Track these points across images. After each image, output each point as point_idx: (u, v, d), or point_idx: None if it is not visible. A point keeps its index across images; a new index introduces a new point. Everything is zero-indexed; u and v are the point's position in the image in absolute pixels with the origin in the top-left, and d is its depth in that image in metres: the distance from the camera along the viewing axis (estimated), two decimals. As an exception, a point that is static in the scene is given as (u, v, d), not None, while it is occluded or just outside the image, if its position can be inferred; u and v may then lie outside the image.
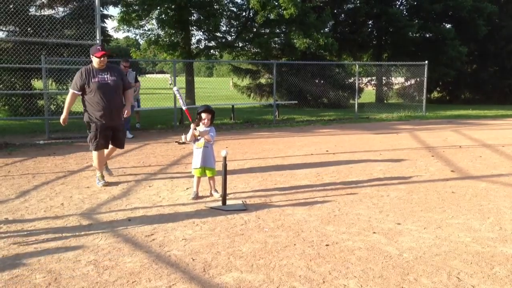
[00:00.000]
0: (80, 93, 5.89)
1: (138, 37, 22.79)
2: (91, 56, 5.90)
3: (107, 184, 6.05)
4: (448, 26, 24.46)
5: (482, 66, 25.74)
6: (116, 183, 6.16)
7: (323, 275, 3.37)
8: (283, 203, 5.27)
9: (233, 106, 14.93)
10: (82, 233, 4.22)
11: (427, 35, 24.26)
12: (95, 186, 6.01)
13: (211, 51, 22.06)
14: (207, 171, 5.43)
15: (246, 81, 23.28)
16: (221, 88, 29.39)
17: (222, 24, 21.30)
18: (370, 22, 25.31)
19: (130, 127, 10.85)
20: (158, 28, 20.90)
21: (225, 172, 5.08)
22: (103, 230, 4.31)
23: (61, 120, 6.04)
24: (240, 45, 22.22)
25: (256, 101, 21.97)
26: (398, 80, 25.36)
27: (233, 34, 22.23)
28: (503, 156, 8.40)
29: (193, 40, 22.09)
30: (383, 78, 24.38)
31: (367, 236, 4.20)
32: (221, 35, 21.93)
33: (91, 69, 5.90)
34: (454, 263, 3.60)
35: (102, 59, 5.83)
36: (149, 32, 21.86)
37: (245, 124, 13.70)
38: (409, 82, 23.31)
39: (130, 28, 20.93)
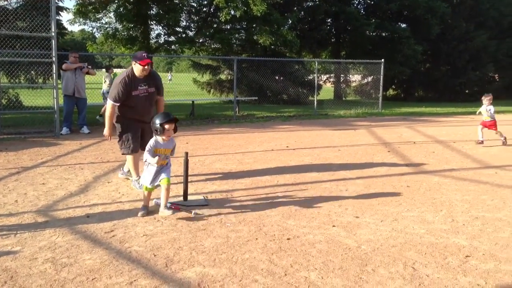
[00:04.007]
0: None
1: (94, 30, 22.18)
2: (133, 62, 5.37)
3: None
4: (403, 25, 25.20)
5: (435, 65, 26.67)
6: (72, 180, 6.00)
7: (284, 268, 3.42)
8: (244, 198, 5.29)
9: (193, 102, 14.83)
10: (38, 230, 4.09)
11: (384, 34, 24.91)
12: (51, 182, 5.83)
13: (171, 46, 21.77)
14: (161, 181, 4.59)
15: (206, 77, 23.13)
16: (180, 83, 29.08)
17: (182, 19, 21.06)
18: (329, 20, 25.70)
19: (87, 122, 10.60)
20: (116, 22, 20.42)
21: (186, 168, 5.06)
22: (60, 227, 4.20)
23: (106, 134, 5.54)
24: (201, 40, 22.04)
25: (216, 97, 21.88)
26: (355, 78, 25.91)
27: (193, 29, 22.02)
28: (455, 152, 8.75)
29: (152, 35, 21.73)
30: (341, 75, 24.85)
31: (327, 229, 4.29)
32: (181, 30, 21.68)
33: (131, 77, 5.37)
34: (410, 254, 3.73)
35: (146, 67, 5.33)
36: (106, 26, 21.31)
37: (205, 120, 13.63)
38: (366, 80, 23.89)
39: (87, 21, 20.33)
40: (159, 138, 4.53)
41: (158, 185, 4.65)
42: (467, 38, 24.96)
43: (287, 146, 9.02)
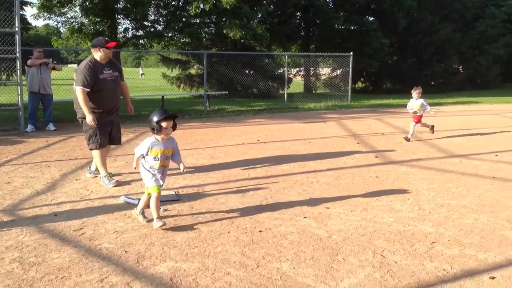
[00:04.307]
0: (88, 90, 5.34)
1: (59, 25, 21.62)
2: (96, 49, 5.39)
3: (119, 183, 5.59)
4: (371, 18, 25.53)
5: (402, 58, 27.12)
6: (39, 178, 5.87)
7: (257, 260, 3.44)
8: (216, 192, 5.29)
9: (162, 97, 14.68)
10: (4, 230, 3.99)
11: (352, 27, 25.17)
12: (16, 181, 5.68)
13: (139, 40, 21.44)
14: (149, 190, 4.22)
15: (176, 72, 22.90)
16: (149, 78, 28.73)
17: (150, 13, 20.74)
18: (298, 13, 25.79)
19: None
20: (81, 16, 19.94)
21: (156, 163, 5.01)
22: (27, 226, 4.11)
23: (92, 122, 5.35)
24: (170, 34, 21.78)
25: (186, 92, 21.71)
26: (325, 71, 26.12)
27: (162, 23, 21.73)
28: (421, 142, 8.95)
29: (120, 29, 21.32)
30: (311, 68, 25.01)
31: (298, 221, 4.34)
32: (149, 24, 21.35)
33: (95, 63, 5.40)
34: (379, 242, 3.82)
35: (111, 50, 5.43)
36: (72, 20, 20.80)
37: (175, 115, 13.50)
38: (335, 73, 24.09)
39: (51, 16, 19.80)
40: (158, 137, 4.13)
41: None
42: (433, 30, 25.47)
43: (258, 140, 9.05)
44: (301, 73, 25.93)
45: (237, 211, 4.59)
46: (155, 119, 4.02)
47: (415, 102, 9.15)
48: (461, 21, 27.27)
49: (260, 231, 4.04)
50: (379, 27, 23.32)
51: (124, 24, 20.98)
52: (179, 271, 3.26)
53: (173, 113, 4.24)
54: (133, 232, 4.00)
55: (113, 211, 4.55)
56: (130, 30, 21.45)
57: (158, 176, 4.13)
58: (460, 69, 29.44)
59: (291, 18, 25.02)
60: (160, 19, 21.79)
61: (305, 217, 4.43)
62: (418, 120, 9.22)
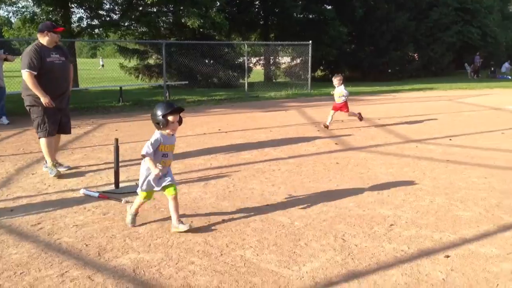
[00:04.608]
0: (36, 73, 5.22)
1: (10, 15, 20.77)
2: (43, 33, 5.33)
3: (61, 174, 5.46)
4: (329, 7, 25.79)
5: (360, 46, 27.58)
6: (-7, 173, 5.66)
7: (220, 248, 3.46)
8: (178, 183, 5.25)
9: (121, 88, 14.34)
10: (-43, 228, 3.84)
11: (311, 16, 25.35)
12: (-31, 177, 5.46)
13: (95, 30, 20.85)
14: (168, 190, 3.80)
15: (133, 62, 22.43)
16: (107, 69, 28.04)
17: (105, 1, 20.17)
18: (257, 2, 25.74)
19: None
20: (33, 5, 19.20)
21: (117, 155, 4.93)
22: (-18, 223, 3.96)
23: (48, 103, 5.25)
24: (126, 24, 21.27)
25: (145, 82, 21.33)
26: (285, 60, 26.26)
27: (118, 12, 21.19)
28: (379, 128, 9.18)
29: (74, 18, 20.66)
30: (271, 57, 25.08)
31: (261, 208, 4.37)
32: (104, 13, 20.78)
33: (42, 47, 5.31)
34: (339, 227, 3.91)
35: (59, 36, 5.39)
36: (23, 10, 20.01)
37: (134, 106, 13.28)
38: (295, 62, 24.26)
39: (1, 5, 18.99)
40: (164, 133, 3.75)
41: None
42: (389, 19, 26.00)
43: (219, 129, 9.03)
44: (261, 62, 25.97)
45: (199, 201, 4.59)
46: (160, 113, 3.66)
47: (336, 90, 9.09)
48: (416, 10, 27.96)
49: (223, 220, 4.06)
50: (337, 15, 23.60)
51: (78, 13, 20.27)
52: (142, 262, 3.24)
53: (180, 106, 3.80)
54: (94, 225, 3.93)
55: (72, 205, 4.45)
56: (84, 19, 20.85)
57: (158, 178, 3.76)
58: (416, 57, 30.24)
59: (250, 6, 24.95)
60: (116, 8, 21.23)
61: (267, 205, 4.48)
62: (340, 108, 9.07)
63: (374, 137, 8.24)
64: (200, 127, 9.31)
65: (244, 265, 3.20)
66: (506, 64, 28.94)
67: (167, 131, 3.74)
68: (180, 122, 3.80)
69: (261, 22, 26.47)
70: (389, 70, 27.72)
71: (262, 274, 3.06)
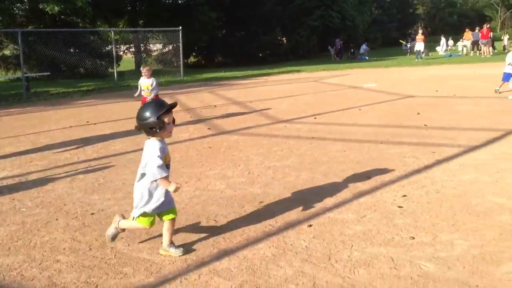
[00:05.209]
0: None
1: None
2: None
3: None
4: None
5: (230, 31, 28.03)
6: None
7: (89, 243, 3.34)
8: (41, 180, 4.93)
9: (-29, 81, 12.90)
10: None
11: (180, 1, 25.06)
12: None
13: None
14: (166, 215, 3.21)
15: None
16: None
17: None
18: (122, -13, 24.71)
19: None
20: None
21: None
22: None
23: None
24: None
25: (1, 75, 19.43)
26: (156, 47, 25.69)
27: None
28: (249, 110, 9.48)
29: None
30: (141, 45, 24.36)
31: (132, 198, 4.27)
32: None
33: None
34: (212, 208, 4.00)
35: None
36: None
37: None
38: (167, 48, 23.85)
39: None
40: (160, 138, 3.15)
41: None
42: (257, 4, 26.73)
43: (88, 121, 8.60)
44: (132, 50, 25.11)
45: (65, 197, 4.35)
46: (152, 115, 3.01)
47: (144, 81, 8.01)
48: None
49: (92, 214, 3.91)
50: (205, 1, 23.63)
51: None
52: (1, 266, 3.00)
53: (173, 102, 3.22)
54: None
55: None
56: None
57: (161, 199, 3.14)
58: (285, 41, 31.60)
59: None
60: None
61: (139, 194, 4.39)
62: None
63: (245, 120, 8.49)
64: (66, 120, 8.77)
65: (114, 256, 3.13)
66: (364, 46, 31.44)
67: (164, 135, 3.14)
68: (173, 121, 3.20)
69: (128, 8, 25.48)
70: (260, 55, 28.61)
71: (133, 263, 3.03)
